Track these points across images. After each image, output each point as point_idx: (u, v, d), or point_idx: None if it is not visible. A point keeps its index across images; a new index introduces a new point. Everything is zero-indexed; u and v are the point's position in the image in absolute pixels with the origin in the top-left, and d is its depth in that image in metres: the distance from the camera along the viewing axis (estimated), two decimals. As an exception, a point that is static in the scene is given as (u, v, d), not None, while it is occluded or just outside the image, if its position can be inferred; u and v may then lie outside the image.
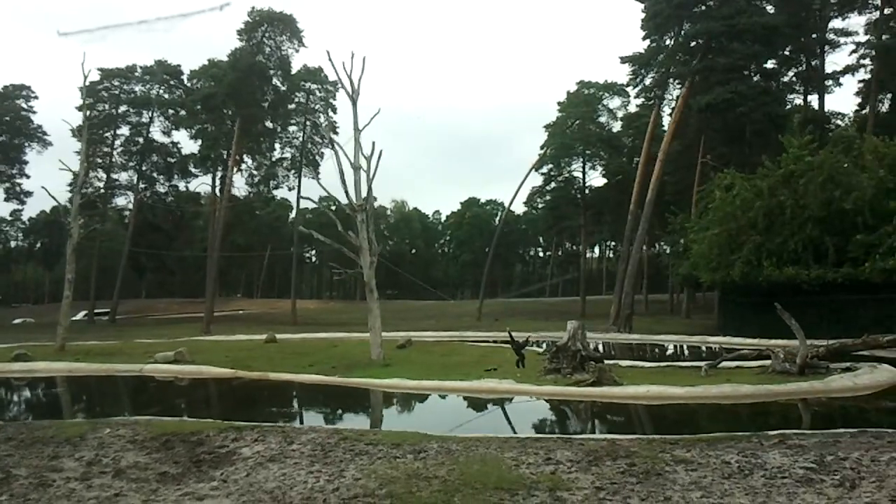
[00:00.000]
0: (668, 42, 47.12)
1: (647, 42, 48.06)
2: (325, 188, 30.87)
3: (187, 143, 68.23)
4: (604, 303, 55.33)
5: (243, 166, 63.12)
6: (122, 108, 66.32)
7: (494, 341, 28.95)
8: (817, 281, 31.10)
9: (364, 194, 22.79)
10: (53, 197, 33.80)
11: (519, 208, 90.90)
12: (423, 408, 16.60)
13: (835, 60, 51.80)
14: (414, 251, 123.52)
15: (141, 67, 67.35)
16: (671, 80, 48.97)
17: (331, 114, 64.10)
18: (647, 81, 50.36)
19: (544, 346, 26.35)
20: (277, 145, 66.13)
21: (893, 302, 29.32)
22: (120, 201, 70.86)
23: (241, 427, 10.51)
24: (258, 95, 56.95)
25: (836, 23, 49.92)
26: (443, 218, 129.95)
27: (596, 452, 8.63)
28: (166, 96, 67.91)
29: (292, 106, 64.04)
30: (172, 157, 68.82)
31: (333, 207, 32.27)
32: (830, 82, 51.18)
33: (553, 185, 67.76)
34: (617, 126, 66.45)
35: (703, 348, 30.93)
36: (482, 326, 46.76)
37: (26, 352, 24.90)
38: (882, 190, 31.42)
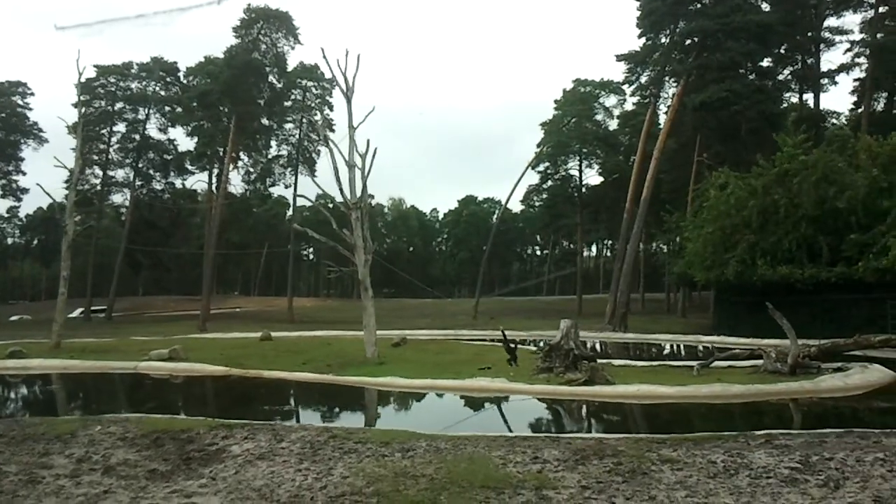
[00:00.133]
0: (663, 40, 47.18)
1: (643, 40, 48.22)
2: (321, 186, 31.04)
3: (184, 141, 68.44)
4: (600, 301, 55.41)
5: (240, 163, 63.29)
6: (119, 105, 66.34)
7: (491, 340, 28.99)
8: (811, 280, 31.19)
9: (359, 192, 22.80)
10: (48, 194, 33.84)
11: (516, 206, 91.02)
12: (415, 406, 16.61)
13: (830, 59, 51.88)
14: (411, 249, 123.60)
15: (137, 64, 67.43)
16: (667, 78, 49.02)
17: (327, 111, 64.23)
18: (643, 79, 50.47)
19: (542, 343, 26.37)
20: (274, 143, 66.38)
21: (886, 301, 29.44)
22: (116, 198, 71.09)
23: (232, 425, 10.55)
24: (254, 93, 57.03)
25: (832, 21, 50.05)
26: (440, 216, 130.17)
27: (583, 451, 8.67)
28: (163, 93, 67.91)
29: (288, 103, 64.18)
30: (169, 154, 68.89)
31: (331, 205, 32.35)
32: (826, 81, 51.25)
33: (550, 183, 67.96)
34: (613, 124, 66.66)
35: (700, 347, 30.97)
36: (478, 325, 46.84)
37: (21, 349, 24.91)
38: (875, 189, 31.51)
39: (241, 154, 62.83)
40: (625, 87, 55.98)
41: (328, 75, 50.96)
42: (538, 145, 65.76)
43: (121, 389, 20.86)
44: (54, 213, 59.03)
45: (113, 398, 19.52)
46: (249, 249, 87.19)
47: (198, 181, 69.37)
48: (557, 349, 17.99)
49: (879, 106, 51.86)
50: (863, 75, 49.29)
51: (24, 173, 67.29)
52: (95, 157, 64.95)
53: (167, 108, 67.45)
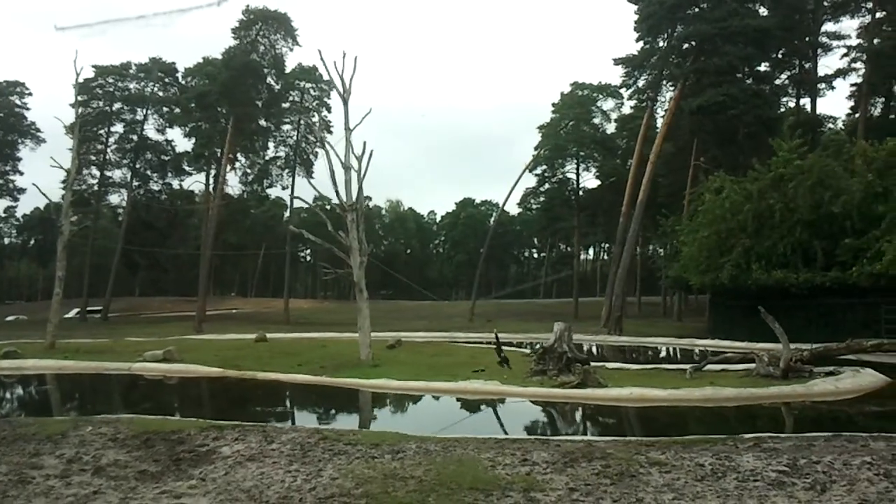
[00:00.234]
0: (661, 44, 47.25)
1: (641, 44, 48.28)
2: (316, 188, 31.13)
3: (181, 141, 68.59)
4: (597, 304, 55.49)
5: (237, 165, 63.20)
6: (117, 106, 66.34)
7: (487, 343, 29.01)
8: (806, 284, 31.26)
9: (355, 194, 22.83)
10: (44, 194, 33.89)
11: (514, 209, 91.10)
12: (408, 408, 16.68)
13: (827, 64, 51.91)
14: (409, 251, 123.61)
15: (136, 65, 67.44)
16: (664, 82, 49.12)
17: (325, 113, 64.26)
18: (640, 83, 50.55)
19: (536, 346, 26.40)
20: (271, 144, 66.36)
21: (881, 306, 29.49)
22: (113, 199, 71.17)
23: (223, 426, 10.55)
24: (252, 94, 57.04)
25: (829, 26, 50.25)
26: (438, 218, 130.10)
27: (572, 454, 8.69)
28: (161, 94, 67.93)
29: (286, 105, 64.19)
30: (166, 154, 68.92)
31: (328, 207, 32.34)
32: (823, 86, 51.48)
33: (547, 186, 67.97)
34: (611, 127, 66.76)
35: (697, 351, 30.97)
36: (474, 327, 46.88)
37: (15, 349, 24.86)
38: (871, 194, 31.62)
39: (239, 155, 62.80)
40: (622, 90, 56.16)
41: (326, 77, 51.02)
42: (536, 148, 65.87)
43: (114, 390, 20.87)
44: (51, 214, 59.06)
45: (106, 399, 19.53)
46: (247, 251, 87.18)
47: (195, 182, 69.33)
48: (551, 352, 18.06)
49: (876, 111, 51.98)
50: (859, 80, 49.41)
51: (21, 173, 67.37)
52: (93, 158, 64.96)
53: (165, 109, 67.48)
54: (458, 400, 16.51)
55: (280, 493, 7.22)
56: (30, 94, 67.74)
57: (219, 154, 59.70)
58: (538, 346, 19.98)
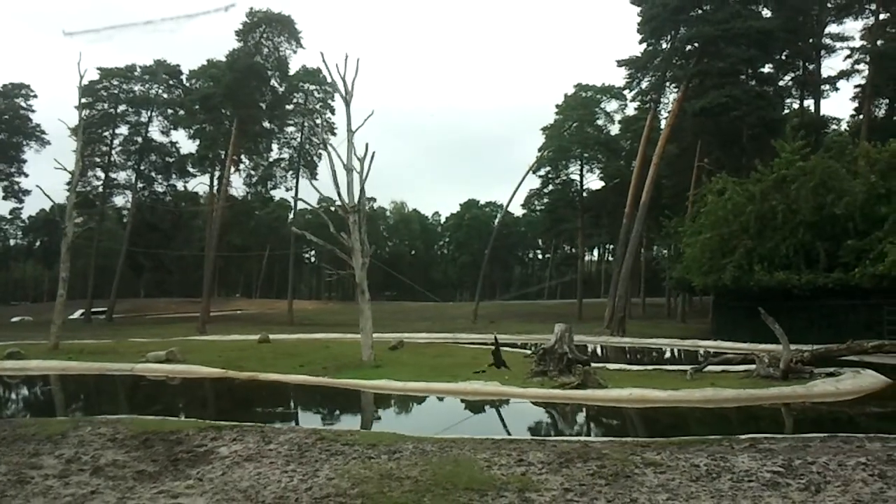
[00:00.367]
0: (664, 46, 47.24)
1: (644, 46, 48.28)
2: (319, 190, 31.20)
3: (186, 143, 68.63)
4: (601, 306, 55.39)
5: (241, 166, 63.37)
6: (122, 108, 66.66)
7: (490, 344, 28.98)
8: (808, 286, 31.24)
9: (357, 196, 22.89)
10: (48, 196, 33.98)
11: (519, 210, 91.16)
12: (407, 409, 16.72)
13: (831, 65, 51.80)
14: (413, 252, 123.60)
15: (140, 67, 67.63)
16: (667, 84, 49.11)
17: (329, 115, 64.37)
18: (644, 85, 50.55)
19: (539, 348, 26.38)
20: (275, 146, 66.51)
21: (883, 307, 29.48)
22: (118, 200, 71.45)
23: (221, 426, 10.60)
24: (256, 96, 57.16)
25: (833, 28, 50.13)
26: (442, 219, 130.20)
27: (568, 454, 8.72)
28: (165, 96, 68.20)
29: (290, 107, 64.30)
30: (171, 156, 69.15)
31: (333, 209, 32.36)
32: (827, 87, 51.28)
33: (551, 187, 67.93)
34: (615, 129, 66.65)
35: (702, 352, 30.92)
36: (477, 328, 46.85)
37: (19, 350, 24.96)
38: (873, 195, 31.56)
39: (243, 157, 63.01)
40: (626, 92, 56.05)
41: (330, 79, 51.07)
42: (539, 149, 65.86)
43: (116, 391, 20.94)
44: (55, 215, 59.17)
45: (107, 399, 19.61)
46: (251, 252, 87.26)
47: (199, 184, 69.59)
48: (551, 353, 18.07)
49: (881, 112, 51.87)
50: (863, 82, 49.32)
51: (26, 175, 67.72)
52: (98, 160, 65.30)
53: (169, 111, 67.74)
54: (458, 401, 16.53)
55: (276, 494, 7.27)
56: (35, 96, 68.16)
57: (223, 156, 59.88)
58: (539, 347, 19.97)
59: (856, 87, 52.04)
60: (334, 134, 58.72)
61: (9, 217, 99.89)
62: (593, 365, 18.41)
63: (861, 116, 50.16)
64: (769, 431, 10.67)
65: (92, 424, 10.82)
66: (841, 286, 30.70)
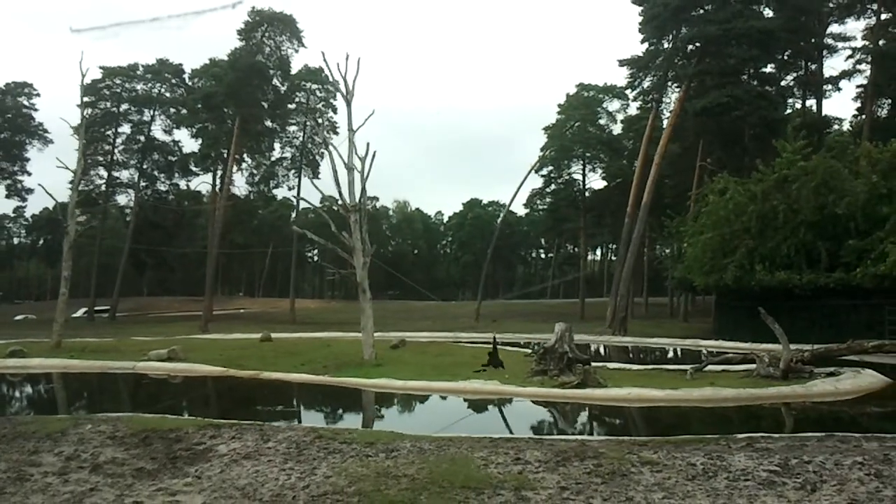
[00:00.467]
0: (665, 45, 47.20)
1: (646, 45, 48.21)
2: (320, 189, 31.09)
3: (188, 142, 68.70)
4: (604, 305, 55.32)
5: (243, 165, 63.46)
6: (124, 107, 66.73)
7: (491, 343, 29.01)
8: (809, 286, 31.24)
9: (358, 195, 22.93)
10: (50, 195, 34.02)
11: (521, 210, 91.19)
12: (407, 408, 16.76)
13: (833, 65, 51.93)
14: (416, 252, 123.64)
15: (143, 66, 67.74)
16: (669, 83, 49.06)
17: (331, 114, 64.41)
18: (646, 84, 50.47)
19: (539, 347, 26.41)
20: (277, 145, 66.67)
21: (884, 307, 29.45)
22: (121, 199, 71.58)
23: (220, 424, 10.64)
24: (258, 95, 57.26)
25: (835, 28, 50.15)
26: (445, 219, 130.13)
27: (565, 453, 8.73)
28: (168, 95, 68.30)
29: (292, 106, 64.41)
30: (173, 155, 69.26)
31: (335, 208, 32.31)
32: (829, 87, 51.32)
33: (553, 186, 67.88)
34: (617, 128, 66.58)
35: (705, 351, 30.89)
36: (479, 328, 46.90)
37: (22, 348, 25.07)
38: (875, 195, 31.55)
39: (245, 156, 63.11)
40: (628, 91, 55.97)
41: (331, 79, 51.19)
42: (541, 149, 65.80)
43: (117, 389, 21.01)
44: (58, 214, 59.20)
45: (108, 397, 19.68)
46: (254, 251, 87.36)
47: (202, 182, 69.66)
48: (552, 352, 18.11)
49: (883, 112, 51.80)
50: (865, 82, 49.28)
51: (29, 174, 67.81)
52: (100, 158, 65.41)
53: (172, 110, 67.84)
54: (458, 400, 16.57)
55: (274, 491, 7.30)
56: (37, 94, 68.27)
57: (225, 155, 59.96)
58: (538, 346, 20.01)
59: (858, 86, 52.09)
60: (336, 133, 58.57)
61: (12, 216, 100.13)
62: (594, 364, 18.44)
63: (863, 116, 50.11)
64: (768, 431, 10.65)
65: (92, 422, 10.85)
66: (842, 286, 30.70)
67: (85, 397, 19.95)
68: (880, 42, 45.40)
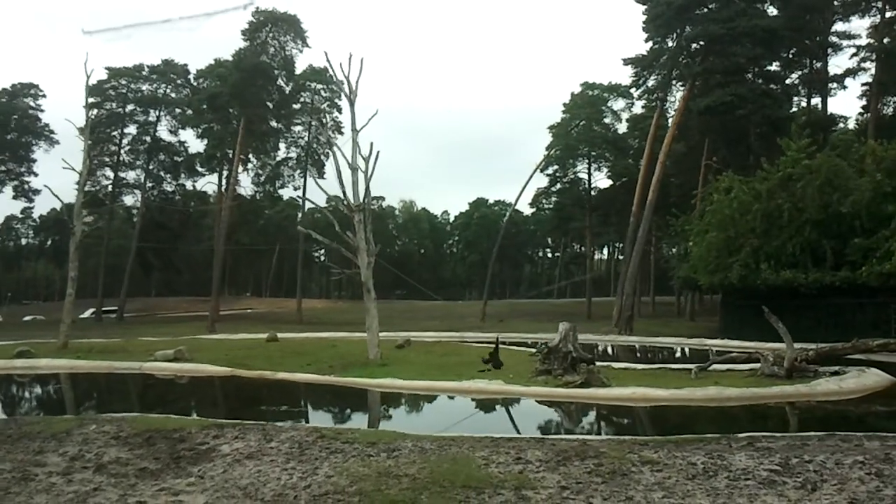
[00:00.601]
0: (669, 44, 47.15)
1: (650, 44, 48.17)
2: (324, 189, 31.27)
3: (194, 142, 68.95)
4: (610, 304, 55.32)
5: (249, 165, 63.56)
6: (130, 107, 66.90)
7: (498, 344, 29.01)
8: (815, 284, 31.19)
9: (362, 194, 22.96)
10: (56, 196, 34.11)
11: (527, 209, 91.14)
12: (411, 407, 16.79)
13: (838, 63, 51.77)
14: (422, 251, 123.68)
15: (148, 67, 67.86)
16: (673, 82, 49.02)
17: (336, 114, 64.50)
18: (650, 83, 50.46)
19: (543, 346, 26.39)
20: (282, 145, 66.77)
21: (890, 306, 29.40)
22: (128, 199, 71.69)
23: (223, 424, 10.71)
24: (262, 95, 57.31)
25: (839, 26, 50.02)
26: (451, 218, 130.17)
27: (566, 452, 8.75)
28: (173, 95, 68.45)
29: (297, 106, 64.49)
30: (179, 155, 69.45)
31: (341, 208, 32.38)
32: (834, 85, 51.20)
33: (559, 186, 67.89)
34: (622, 127, 66.55)
35: (713, 350, 30.82)
36: (485, 327, 46.91)
37: (29, 349, 25.15)
38: (880, 194, 31.46)
39: (251, 156, 63.21)
40: (632, 90, 55.91)
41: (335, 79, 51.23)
42: (547, 148, 65.80)
43: (123, 390, 21.08)
44: (65, 215, 59.40)
45: (114, 398, 19.73)
46: (261, 250, 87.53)
47: (208, 183, 69.84)
48: (556, 351, 18.11)
49: (889, 110, 51.68)
50: (870, 80, 49.17)
51: (36, 174, 67.79)
52: (107, 159, 65.63)
53: (178, 111, 67.98)
54: (462, 399, 16.60)
55: (276, 491, 7.33)
56: (44, 95, 68.29)
57: (231, 155, 60.05)
58: (543, 345, 20.01)
59: (863, 84, 51.96)
60: (341, 133, 58.89)
61: (20, 216, 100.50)
62: (598, 363, 18.44)
63: (868, 114, 50.00)
64: (772, 430, 10.64)
65: (96, 422, 10.93)
66: (848, 285, 30.65)
67: (91, 398, 20.02)
68: (885, 40, 45.34)
